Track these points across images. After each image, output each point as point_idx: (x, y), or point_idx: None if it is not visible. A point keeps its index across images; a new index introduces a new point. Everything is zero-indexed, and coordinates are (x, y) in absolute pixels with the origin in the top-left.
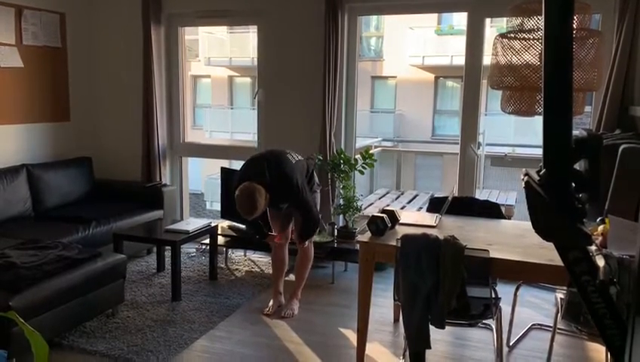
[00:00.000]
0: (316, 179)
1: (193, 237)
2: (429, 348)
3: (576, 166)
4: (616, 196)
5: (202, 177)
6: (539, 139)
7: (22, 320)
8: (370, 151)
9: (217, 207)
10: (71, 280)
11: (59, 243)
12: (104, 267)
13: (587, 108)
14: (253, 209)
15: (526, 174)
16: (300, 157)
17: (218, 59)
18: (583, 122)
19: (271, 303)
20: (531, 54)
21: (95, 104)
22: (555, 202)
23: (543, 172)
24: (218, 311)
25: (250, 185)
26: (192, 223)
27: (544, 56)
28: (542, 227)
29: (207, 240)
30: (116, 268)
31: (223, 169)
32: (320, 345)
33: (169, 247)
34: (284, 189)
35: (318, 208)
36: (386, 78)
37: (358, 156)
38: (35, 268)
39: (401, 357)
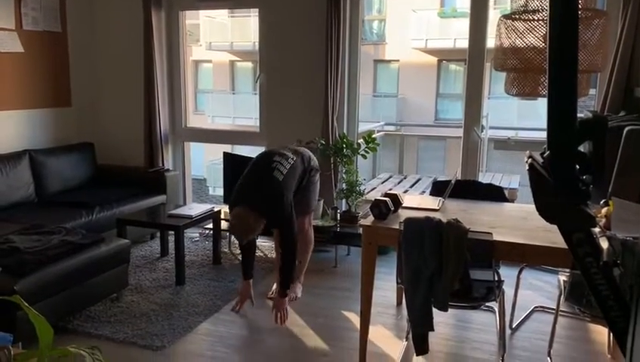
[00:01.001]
0: (315, 163)
1: (196, 222)
2: (432, 330)
3: (581, 148)
4: (620, 178)
5: (205, 163)
6: (542, 123)
7: (26, 304)
8: (373, 136)
9: (220, 192)
10: (75, 265)
11: (62, 228)
12: (108, 252)
13: (591, 91)
14: (248, 233)
15: (530, 156)
16: (291, 161)
17: (219, 43)
18: (587, 105)
19: (274, 287)
20: (535, 36)
21: (96, 89)
22: (558, 184)
23: (546, 154)
24: (222, 295)
25: (244, 211)
26: (195, 208)
27: (549, 37)
28: (545, 209)
29: (211, 225)
30: (120, 252)
31: (225, 154)
32: (323, 328)
33: (172, 232)
34: (274, 216)
35: (318, 193)
36: (389, 61)
37: (360, 140)
38: (39, 252)
39: (404, 340)
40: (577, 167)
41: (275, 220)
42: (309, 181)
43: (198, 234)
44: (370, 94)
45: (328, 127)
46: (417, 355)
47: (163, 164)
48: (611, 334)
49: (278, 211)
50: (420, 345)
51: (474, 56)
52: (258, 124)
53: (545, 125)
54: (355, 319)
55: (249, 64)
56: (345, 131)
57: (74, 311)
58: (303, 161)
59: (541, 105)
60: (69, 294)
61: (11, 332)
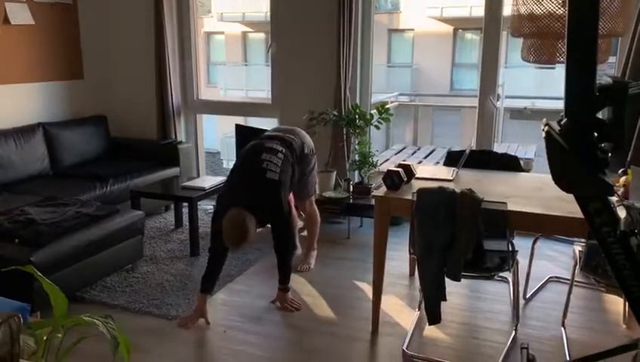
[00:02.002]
0: (309, 146)
1: (210, 193)
2: (445, 300)
3: (600, 115)
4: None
5: (218, 136)
6: (559, 92)
7: (40, 274)
8: (386, 106)
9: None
10: (90, 237)
11: (77, 200)
12: (122, 223)
13: (611, 59)
14: (243, 240)
15: (546, 124)
16: (281, 155)
17: (231, 14)
18: (606, 73)
19: (300, 253)
20: (553, 2)
21: (108, 62)
22: (576, 152)
23: (564, 121)
24: (236, 265)
25: (240, 213)
26: (208, 180)
27: (569, 0)
28: (562, 178)
29: None
30: (134, 224)
31: (237, 126)
32: (336, 298)
33: (186, 204)
34: (271, 219)
35: (316, 176)
36: (403, 30)
37: (374, 111)
38: (55, 224)
39: (417, 309)
40: (596, 134)
41: (271, 221)
42: (305, 167)
43: (211, 206)
44: (384, 64)
45: (341, 98)
46: (430, 325)
47: (176, 137)
48: (627, 304)
49: (277, 214)
50: (433, 314)
51: (490, 24)
52: (270, 96)
53: (562, 93)
54: (367, 289)
55: (261, 35)
56: (358, 102)
57: (90, 281)
58: (294, 151)
59: (558, 74)
60: (85, 265)
61: (29, 302)
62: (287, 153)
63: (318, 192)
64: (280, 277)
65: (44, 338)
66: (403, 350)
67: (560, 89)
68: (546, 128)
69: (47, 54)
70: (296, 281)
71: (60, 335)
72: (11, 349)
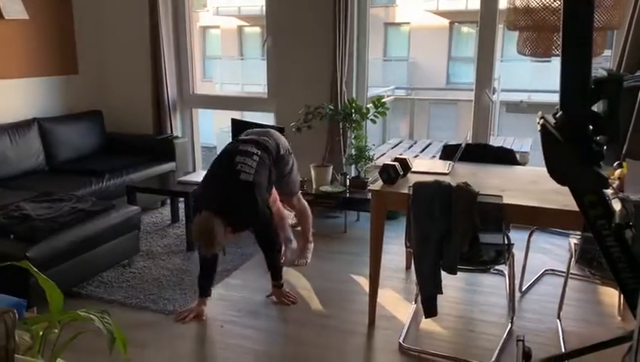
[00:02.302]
0: (284, 147)
1: None
2: (441, 293)
3: (595, 108)
4: (635, 139)
5: (214, 130)
6: (555, 85)
7: (35, 269)
8: (382, 100)
9: None
10: (86, 232)
11: (73, 195)
12: (118, 219)
13: (606, 52)
14: (211, 245)
15: (542, 117)
16: (256, 158)
17: (227, 8)
18: (601, 66)
19: (282, 250)
20: None
21: (102, 56)
22: (571, 145)
23: (559, 114)
24: (232, 259)
25: (208, 218)
26: (204, 175)
27: None
28: (557, 171)
29: None
30: (130, 219)
31: (233, 120)
32: (333, 291)
33: (183, 199)
34: (248, 220)
35: (298, 173)
36: (399, 24)
37: (370, 105)
38: (51, 220)
39: (413, 303)
40: (591, 127)
41: (250, 225)
42: (284, 167)
43: None
44: (380, 58)
45: (337, 92)
46: (426, 318)
47: (171, 132)
48: (622, 296)
49: (254, 216)
50: (429, 307)
51: (486, 18)
52: (266, 90)
53: (558, 86)
54: (364, 283)
55: (257, 29)
56: (354, 96)
57: (87, 277)
58: (269, 152)
59: (554, 67)
60: (81, 260)
61: (25, 298)
62: (262, 155)
63: (314, 186)
64: (271, 275)
65: (40, 333)
66: (399, 343)
67: (556, 82)
68: (542, 121)
69: (42, 49)
70: (293, 275)
71: (56, 330)
72: (7, 344)
